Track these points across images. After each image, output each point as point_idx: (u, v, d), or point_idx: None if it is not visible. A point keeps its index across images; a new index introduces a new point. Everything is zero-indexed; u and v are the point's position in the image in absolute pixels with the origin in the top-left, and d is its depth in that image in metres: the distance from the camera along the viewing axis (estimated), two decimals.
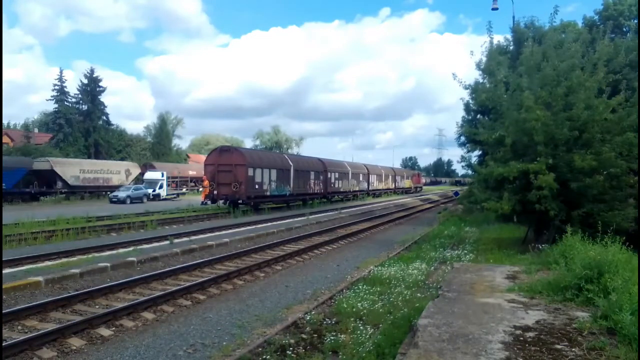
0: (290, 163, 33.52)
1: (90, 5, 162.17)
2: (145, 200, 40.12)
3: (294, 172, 33.27)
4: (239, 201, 28.18)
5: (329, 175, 39.75)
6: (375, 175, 54.92)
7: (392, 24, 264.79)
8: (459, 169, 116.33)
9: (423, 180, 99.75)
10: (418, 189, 77.80)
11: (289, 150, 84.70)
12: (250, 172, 27.88)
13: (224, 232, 18.72)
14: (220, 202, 28.59)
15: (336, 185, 41.98)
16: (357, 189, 47.89)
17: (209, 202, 28.64)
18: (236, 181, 27.18)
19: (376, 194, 55.26)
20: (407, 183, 70.93)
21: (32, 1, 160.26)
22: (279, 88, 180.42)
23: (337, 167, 43.51)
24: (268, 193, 30.09)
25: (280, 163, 32.41)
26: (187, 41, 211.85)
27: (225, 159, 27.95)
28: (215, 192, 27.64)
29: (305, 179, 35.35)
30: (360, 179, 49.17)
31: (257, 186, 28.64)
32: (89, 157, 54.42)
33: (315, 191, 37.31)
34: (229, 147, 31.25)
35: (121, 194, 39.12)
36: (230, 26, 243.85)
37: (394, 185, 63.15)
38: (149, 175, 46.80)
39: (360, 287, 9.78)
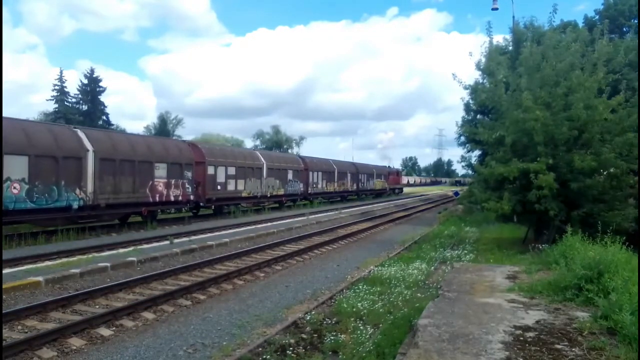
0: (88, 146, 17.47)
1: (95, 4, 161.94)
2: None
3: (101, 164, 17.76)
4: None
5: (210, 171, 24.71)
6: (319, 173, 38.81)
7: (399, 23, 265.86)
8: (459, 169, 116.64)
9: (405, 180, 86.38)
10: (397, 191, 62.32)
11: (289, 151, 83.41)
12: None
13: (223, 232, 18.72)
14: None
15: (232, 187, 26.59)
16: (280, 192, 32.29)
17: None
18: None
19: (323, 199, 39.76)
20: (377, 184, 54.84)
21: (36, 0, 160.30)
22: (282, 88, 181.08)
23: (235, 158, 27.65)
24: (10, 207, 14.52)
25: (54, 146, 16.15)
26: (191, 40, 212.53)
27: None
28: None
29: (143, 177, 19.83)
30: (290, 177, 33.74)
31: None
32: None
33: (173, 198, 21.51)
34: None
35: None
36: (237, 24, 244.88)
37: (355, 187, 47.34)
38: None
39: (361, 287, 9.78)
